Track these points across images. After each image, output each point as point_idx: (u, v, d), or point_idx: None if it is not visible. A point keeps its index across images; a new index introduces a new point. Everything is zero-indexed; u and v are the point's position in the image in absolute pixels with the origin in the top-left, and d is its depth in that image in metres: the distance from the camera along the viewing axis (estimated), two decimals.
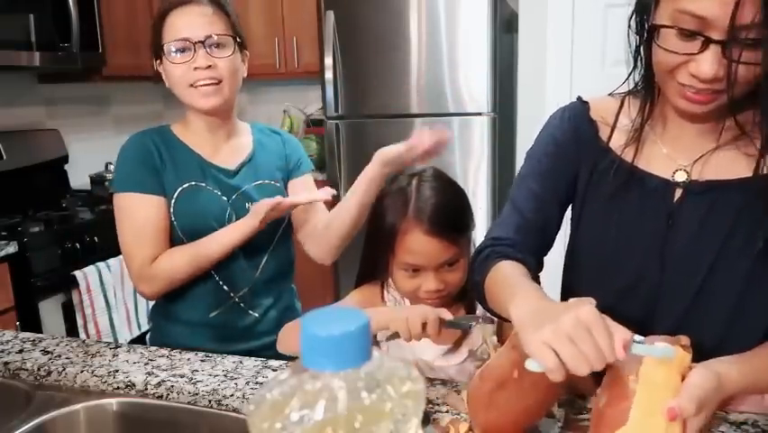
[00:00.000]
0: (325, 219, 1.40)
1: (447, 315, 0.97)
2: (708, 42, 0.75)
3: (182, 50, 1.25)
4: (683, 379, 0.72)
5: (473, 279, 0.97)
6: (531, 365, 0.69)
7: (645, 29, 0.84)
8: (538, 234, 0.98)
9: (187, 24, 1.25)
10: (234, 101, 1.35)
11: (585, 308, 0.68)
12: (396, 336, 1.00)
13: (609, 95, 0.99)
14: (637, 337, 0.69)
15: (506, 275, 0.87)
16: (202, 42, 1.24)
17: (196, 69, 1.24)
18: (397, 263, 1.07)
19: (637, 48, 0.87)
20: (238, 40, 1.31)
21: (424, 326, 0.96)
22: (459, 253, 1.06)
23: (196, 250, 1.28)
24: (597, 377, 0.79)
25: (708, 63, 0.75)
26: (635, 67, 0.89)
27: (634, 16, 0.86)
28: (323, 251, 1.42)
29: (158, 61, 1.31)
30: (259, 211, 1.26)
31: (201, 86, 1.26)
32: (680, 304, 0.90)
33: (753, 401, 0.96)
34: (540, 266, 1.00)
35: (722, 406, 0.92)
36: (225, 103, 1.30)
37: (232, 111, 1.37)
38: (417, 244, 1.03)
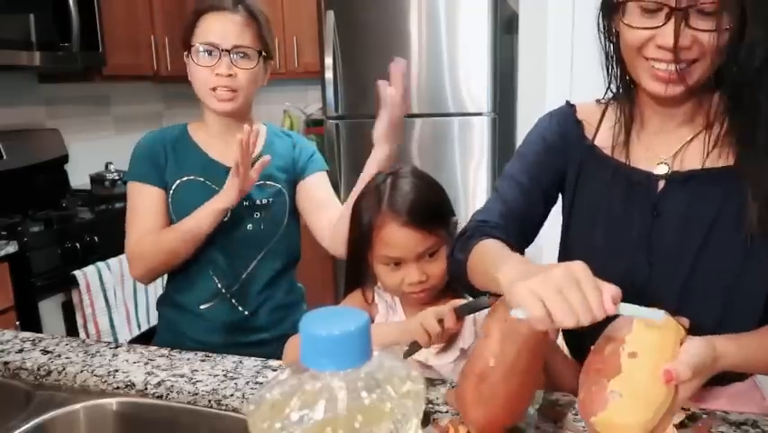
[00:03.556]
0: (337, 214, 1.40)
1: (456, 304, 0.97)
2: (670, 13, 0.78)
3: (209, 53, 1.30)
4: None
5: (455, 257, 0.97)
6: (517, 313, 0.69)
7: (613, 32, 0.89)
8: (520, 223, 1.00)
9: (218, 30, 1.30)
10: (250, 104, 1.40)
11: (577, 262, 0.69)
12: (414, 347, 0.99)
13: (597, 101, 1.04)
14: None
15: (491, 250, 0.88)
16: (228, 51, 1.29)
17: (217, 74, 1.30)
18: (378, 258, 1.07)
19: (608, 53, 0.92)
20: (263, 54, 1.35)
21: (440, 322, 0.96)
22: (438, 243, 1.05)
23: (171, 228, 1.33)
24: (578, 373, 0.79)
25: (672, 32, 0.78)
26: (610, 77, 0.94)
27: (601, 18, 0.90)
28: (335, 246, 1.41)
29: (186, 53, 1.35)
30: (229, 187, 1.27)
31: (219, 91, 1.31)
32: (671, 293, 0.91)
33: (753, 402, 0.97)
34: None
35: (724, 406, 0.92)
36: (239, 108, 1.36)
37: (247, 113, 1.41)
38: (394, 235, 1.03)
